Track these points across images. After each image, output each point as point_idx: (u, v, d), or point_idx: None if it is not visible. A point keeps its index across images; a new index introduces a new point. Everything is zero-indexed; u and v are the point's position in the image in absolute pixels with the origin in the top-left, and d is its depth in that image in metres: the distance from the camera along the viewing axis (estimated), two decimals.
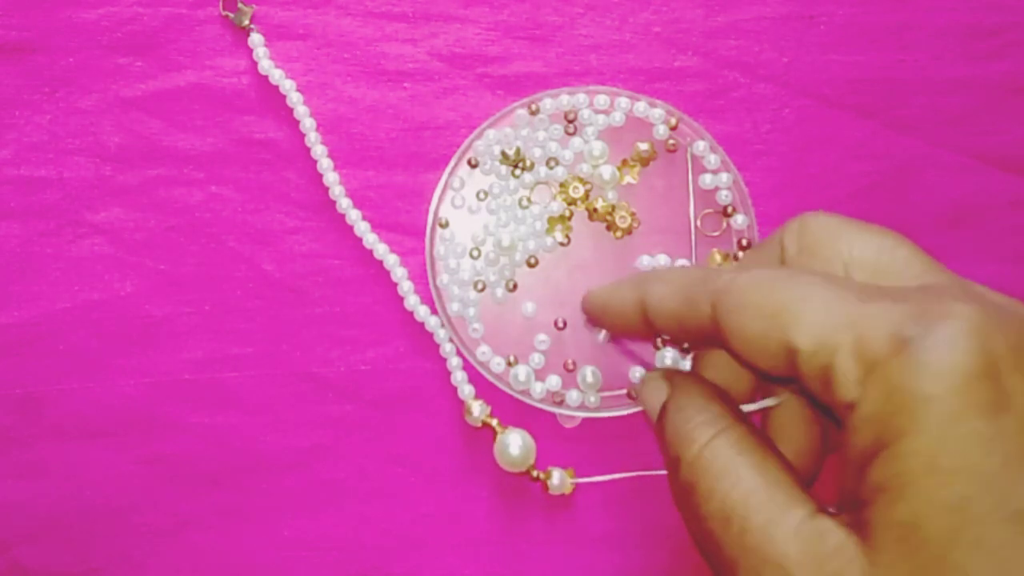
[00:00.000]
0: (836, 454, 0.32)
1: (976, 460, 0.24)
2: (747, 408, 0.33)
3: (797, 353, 0.27)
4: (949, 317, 0.25)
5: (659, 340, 0.43)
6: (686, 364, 0.42)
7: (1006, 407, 0.24)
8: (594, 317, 0.37)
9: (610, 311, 0.35)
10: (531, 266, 0.43)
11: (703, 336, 0.31)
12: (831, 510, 0.27)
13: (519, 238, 0.43)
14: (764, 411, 0.34)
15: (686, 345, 0.42)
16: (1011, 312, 0.26)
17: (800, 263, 0.31)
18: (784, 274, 0.29)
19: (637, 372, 0.43)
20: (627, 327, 0.35)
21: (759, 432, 0.31)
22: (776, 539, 0.27)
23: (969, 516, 0.24)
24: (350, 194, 0.44)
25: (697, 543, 0.30)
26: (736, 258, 0.43)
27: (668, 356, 0.42)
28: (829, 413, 0.30)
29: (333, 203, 0.44)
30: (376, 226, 0.44)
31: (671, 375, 0.34)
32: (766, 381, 0.34)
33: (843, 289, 0.27)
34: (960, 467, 0.24)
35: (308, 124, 0.44)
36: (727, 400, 0.32)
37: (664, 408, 0.32)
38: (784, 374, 0.28)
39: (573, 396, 0.42)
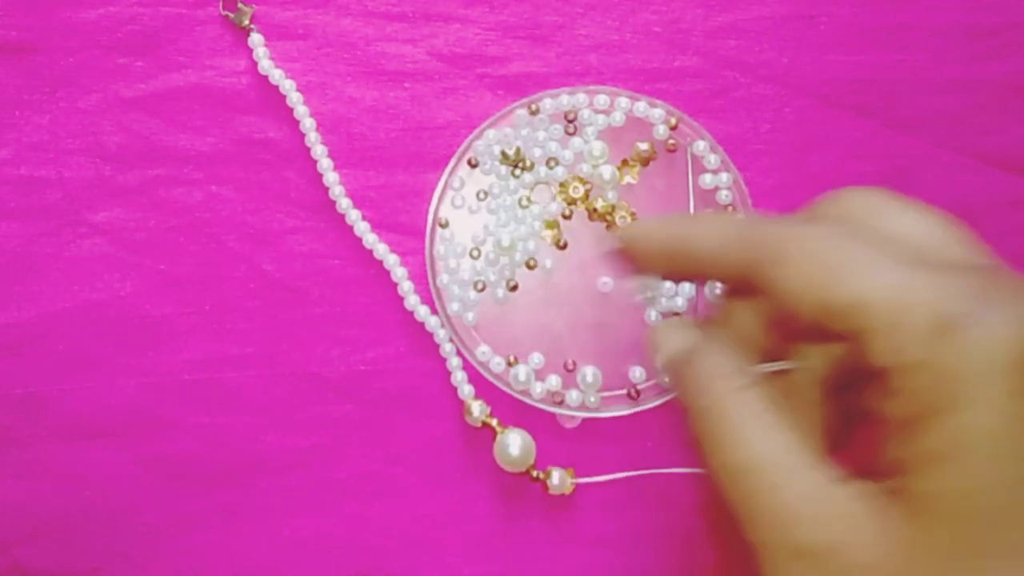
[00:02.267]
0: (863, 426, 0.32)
1: (1019, 443, 0.24)
2: (763, 368, 0.32)
3: (855, 307, 0.26)
4: (1010, 295, 0.25)
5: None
6: None
7: None
8: (623, 252, 0.35)
9: (647, 244, 0.34)
10: (530, 268, 0.43)
11: (734, 280, 0.31)
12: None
13: (519, 238, 0.43)
14: (780, 378, 0.34)
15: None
16: None
17: None
18: (834, 231, 0.28)
19: (637, 372, 0.43)
20: (657, 263, 0.34)
21: (779, 396, 0.30)
22: (794, 494, 0.27)
23: (1014, 495, 0.24)
24: (350, 194, 0.44)
25: (712, 491, 0.29)
26: None
27: None
28: (858, 380, 0.30)
29: (333, 203, 0.44)
30: (376, 226, 0.44)
31: (695, 325, 0.33)
32: (797, 340, 0.33)
33: (902, 253, 0.27)
34: (1014, 447, 0.24)
35: (308, 124, 0.44)
36: (749, 358, 0.31)
37: (692, 353, 0.31)
38: (829, 328, 0.28)
39: (573, 396, 0.42)
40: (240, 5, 0.44)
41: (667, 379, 0.33)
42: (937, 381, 0.25)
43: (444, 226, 0.43)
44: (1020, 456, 0.24)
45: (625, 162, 0.44)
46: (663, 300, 0.42)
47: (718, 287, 0.42)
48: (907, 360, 0.26)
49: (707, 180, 0.43)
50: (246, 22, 0.44)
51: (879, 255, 0.27)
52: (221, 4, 0.44)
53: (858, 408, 0.31)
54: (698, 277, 0.37)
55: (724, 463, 0.28)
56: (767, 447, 0.28)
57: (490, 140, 0.43)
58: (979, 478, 0.24)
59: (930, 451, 0.25)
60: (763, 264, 0.29)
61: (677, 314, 0.42)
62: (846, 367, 0.32)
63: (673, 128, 0.44)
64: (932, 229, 0.29)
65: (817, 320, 0.28)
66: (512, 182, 0.43)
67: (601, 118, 0.44)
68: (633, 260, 0.35)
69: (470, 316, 0.43)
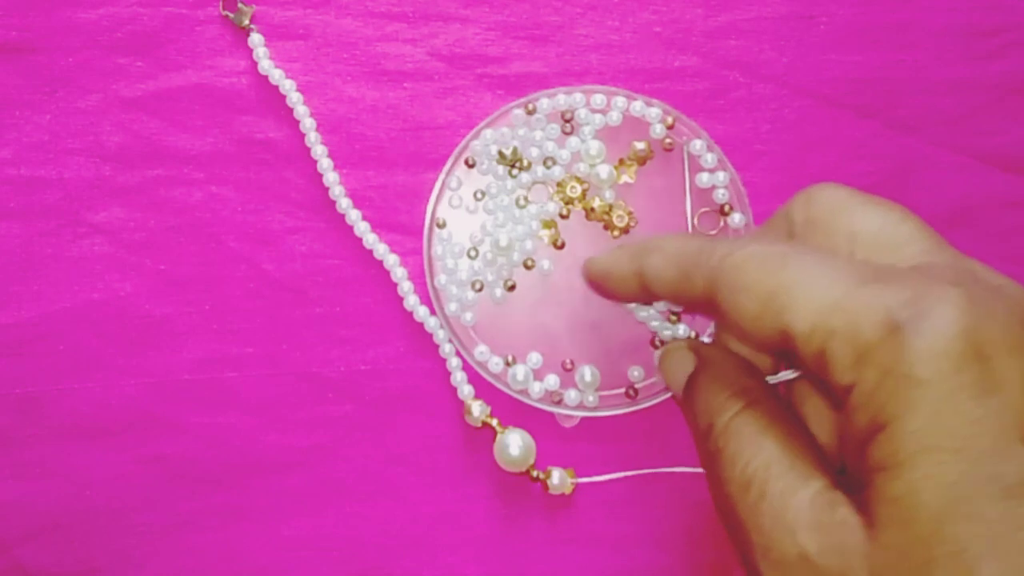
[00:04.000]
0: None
1: (968, 440, 0.25)
2: (770, 380, 0.33)
3: (793, 336, 0.28)
4: (940, 302, 0.26)
5: (657, 340, 0.43)
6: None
7: (996, 388, 0.25)
8: (595, 285, 0.37)
9: (610, 280, 0.36)
10: (528, 268, 0.43)
11: (700, 308, 0.32)
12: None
13: (517, 238, 0.43)
14: (789, 386, 0.34)
15: (675, 310, 0.42)
16: (1006, 294, 0.27)
17: (806, 235, 0.32)
18: (780, 252, 0.29)
19: (635, 371, 0.43)
20: (627, 295, 0.36)
21: (786, 407, 0.31)
22: (790, 506, 0.28)
23: (962, 492, 0.24)
24: (350, 194, 0.44)
25: (717, 508, 0.31)
26: None
27: None
28: (830, 395, 0.31)
29: (333, 203, 0.44)
30: (376, 226, 0.44)
31: (696, 346, 0.35)
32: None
33: (838, 271, 0.28)
34: (952, 447, 0.25)
35: (308, 124, 0.44)
36: (753, 372, 0.33)
37: (693, 379, 0.33)
38: (781, 352, 0.29)
39: (571, 395, 0.42)
40: (240, 5, 0.44)
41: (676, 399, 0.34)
42: (876, 397, 0.26)
43: (441, 226, 0.43)
44: (962, 452, 0.25)
45: (622, 161, 0.44)
46: (657, 316, 0.42)
47: (680, 329, 0.42)
48: (844, 382, 0.27)
49: (704, 179, 0.43)
50: (246, 22, 0.44)
51: (823, 271, 0.28)
52: (221, 4, 0.44)
53: None
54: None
55: (731, 478, 0.29)
56: (768, 460, 0.29)
57: (487, 140, 0.43)
58: (921, 481, 0.25)
59: (877, 462, 0.26)
60: (706, 295, 0.30)
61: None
62: None
63: (670, 127, 0.44)
64: (892, 225, 0.31)
65: (779, 347, 0.29)
66: (509, 182, 0.43)
67: (598, 117, 0.44)
68: (603, 294, 0.36)
69: (468, 316, 0.43)
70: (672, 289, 0.32)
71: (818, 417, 0.33)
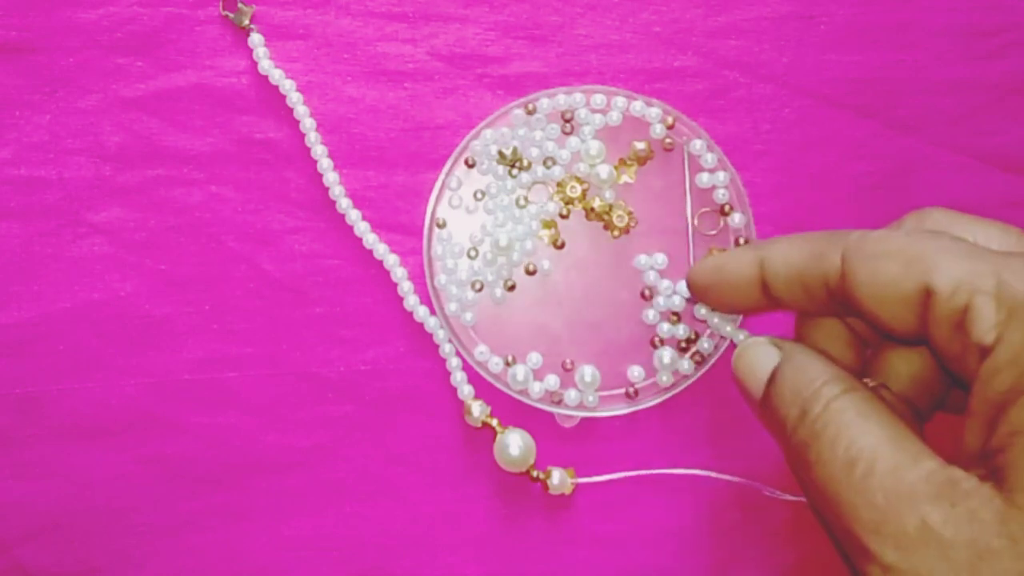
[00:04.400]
0: (960, 414, 0.32)
1: None
2: None
3: (934, 295, 0.27)
4: None
5: (657, 340, 0.43)
6: (685, 363, 0.42)
7: None
8: (701, 289, 0.37)
9: (725, 275, 0.35)
10: (530, 273, 0.43)
11: (826, 294, 0.31)
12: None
13: (516, 238, 0.43)
14: None
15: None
16: None
17: None
18: (922, 232, 0.29)
19: (635, 371, 0.43)
20: (739, 294, 0.35)
21: (883, 399, 0.31)
22: (905, 479, 0.27)
23: None
24: (350, 194, 0.44)
25: (811, 497, 0.30)
26: None
27: (667, 355, 0.42)
28: (950, 375, 0.30)
29: (333, 203, 0.44)
30: (376, 226, 0.44)
31: (779, 342, 0.34)
32: (885, 341, 0.34)
33: (978, 247, 0.28)
34: None
35: (308, 124, 0.44)
36: (842, 366, 0.32)
37: (778, 371, 0.32)
38: (910, 326, 0.28)
39: (571, 396, 0.42)
40: (240, 5, 0.44)
41: (754, 396, 0.34)
42: (1021, 358, 0.25)
43: (441, 226, 0.43)
44: None
45: (622, 161, 0.44)
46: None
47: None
48: (986, 341, 0.26)
49: (704, 179, 0.43)
50: (246, 22, 0.44)
51: (966, 246, 0.28)
52: (221, 4, 0.44)
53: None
54: (777, 309, 0.37)
55: (832, 459, 0.28)
56: (875, 440, 0.28)
57: (487, 140, 0.43)
58: None
59: (1018, 426, 0.25)
60: (839, 272, 0.30)
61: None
62: (923, 380, 0.33)
63: (670, 127, 0.44)
64: (1014, 238, 0.31)
65: (897, 317, 0.28)
66: (509, 182, 0.43)
67: (598, 117, 0.44)
68: (709, 299, 0.36)
69: (468, 316, 0.43)
70: (798, 272, 0.32)
71: None
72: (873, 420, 0.29)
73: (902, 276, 0.28)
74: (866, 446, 0.28)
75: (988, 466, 0.26)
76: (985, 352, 0.26)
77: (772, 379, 0.33)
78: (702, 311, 0.40)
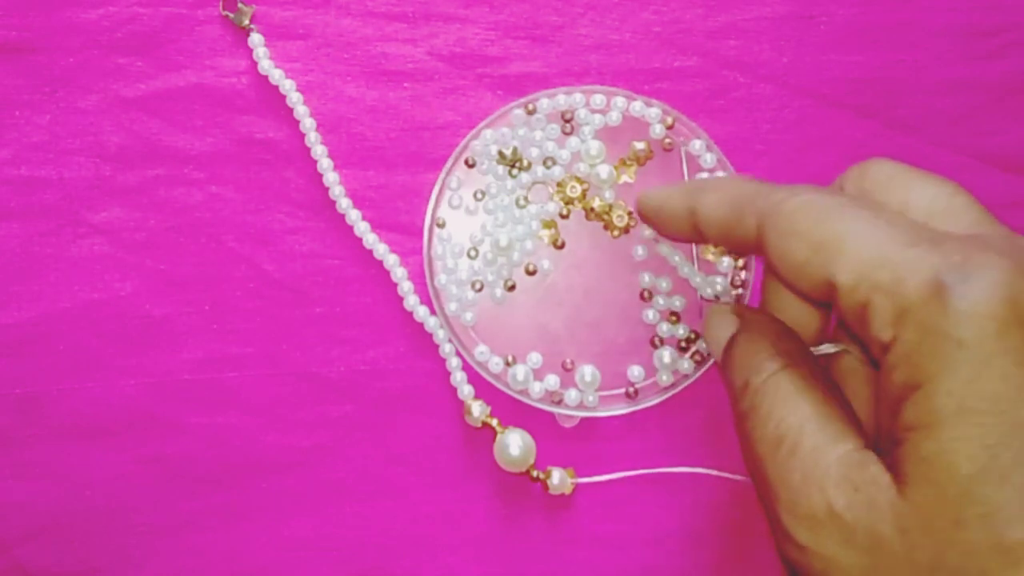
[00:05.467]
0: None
1: (1006, 404, 0.25)
2: (813, 351, 0.34)
3: (837, 288, 0.28)
4: (988, 268, 0.26)
5: (657, 339, 0.43)
6: (685, 363, 0.42)
7: None
8: (646, 217, 0.38)
9: (663, 214, 0.36)
10: (530, 273, 0.43)
11: (748, 249, 0.32)
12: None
13: (516, 238, 0.43)
14: (831, 361, 0.34)
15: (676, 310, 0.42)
16: None
17: None
18: (836, 202, 0.29)
19: (635, 371, 0.43)
20: (678, 231, 0.36)
21: (824, 374, 0.32)
22: (820, 463, 0.28)
23: (996, 455, 0.25)
24: (350, 194, 0.44)
25: (747, 466, 0.31)
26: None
27: (667, 354, 0.42)
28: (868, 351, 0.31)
29: (333, 203, 0.44)
30: (376, 226, 0.44)
31: (740, 310, 0.35)
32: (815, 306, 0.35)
33: (890, 227, 0.28)
34: (993, 410, 0.25)
35: (308, 124, 0.44)
36: (794, 338, 0.33)
37: (733, 339, 0.34)
38: (827, 303, 0.29)
39: (571, 395, 0.42)
40: (240, 5, 0.44)
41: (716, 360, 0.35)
42: (915, 355, 0.26)
43: (441, 226, 0.43)
44: (1003, 416, 0.25)
45: (622, 161, 0.44)
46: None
47: (717, 286, 0.42)
48: (883, 338, 0.27)
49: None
50: (246, 22, 0.44)
51: (876, 225, 0.28)
52: (221, 4, 0.44)
53: None
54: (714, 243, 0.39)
55: (763, 436, 0.30)
56: (801, 419, 0.29)
57: (487, 140, 0.43)
58: (955, 442, 0.25)
59: (912, 421, 0.26)
60: (767, 237, 0.30)
61: (717, 298, 0.43)
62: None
63: (669, 127, 0.44)
64: (945, 197, 0.31)
65: (822, 298, 0.29)
66: (509, 182, 0.43)
67: (598, 118, 0.43)
68: (652, 226, 0.37)
69: (468, 316, 0.43)
70: (722, 228, 0.33)
71: (859, 395, 0.33)
72: (805, 398, 0.30)
73: (807, 263, 0.29)
74: (793, 424, 0.29)
75: (891, 454, 0.27)
76: (885, 347, 0.27)
77: (727, 347, 0.34)
78: (648, 233, 0.42)
